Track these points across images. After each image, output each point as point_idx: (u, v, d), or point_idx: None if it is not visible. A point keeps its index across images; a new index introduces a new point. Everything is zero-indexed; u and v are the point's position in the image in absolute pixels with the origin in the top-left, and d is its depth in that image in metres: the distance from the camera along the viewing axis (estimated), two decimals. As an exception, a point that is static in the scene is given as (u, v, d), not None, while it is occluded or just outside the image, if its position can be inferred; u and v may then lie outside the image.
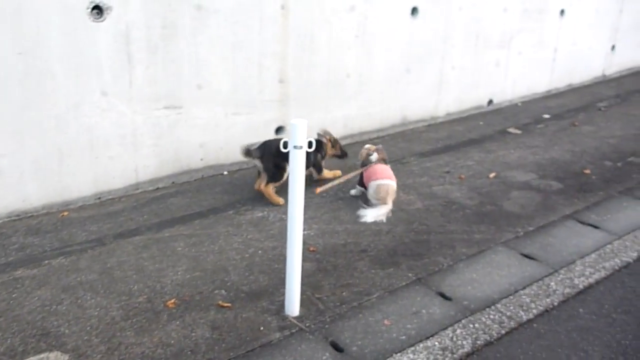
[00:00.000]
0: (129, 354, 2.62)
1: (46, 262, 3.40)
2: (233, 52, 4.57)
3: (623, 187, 4.61)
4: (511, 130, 6.24)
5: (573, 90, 8.12)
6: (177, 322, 2.85)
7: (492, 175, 4.86)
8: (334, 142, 4.61)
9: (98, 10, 3.85)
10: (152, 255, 3.48)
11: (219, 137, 4.75)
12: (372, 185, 4.08)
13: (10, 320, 2.84)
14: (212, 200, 4.30)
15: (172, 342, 2.70)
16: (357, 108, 5.63)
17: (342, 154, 4.70)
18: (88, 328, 2.79)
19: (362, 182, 4.26)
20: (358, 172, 4.29)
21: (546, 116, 6.79)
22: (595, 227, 3.93)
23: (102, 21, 3.88)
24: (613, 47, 8.66)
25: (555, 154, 5.44)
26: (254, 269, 3.34)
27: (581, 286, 3.24)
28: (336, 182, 4.17)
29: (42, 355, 2.61)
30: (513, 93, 7.32)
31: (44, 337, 2.72)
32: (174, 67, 4.30)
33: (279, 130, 5.07)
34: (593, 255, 3.53)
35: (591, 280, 3.29)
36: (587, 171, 4.95)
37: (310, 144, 2.66)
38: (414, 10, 5.73)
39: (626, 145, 5.69)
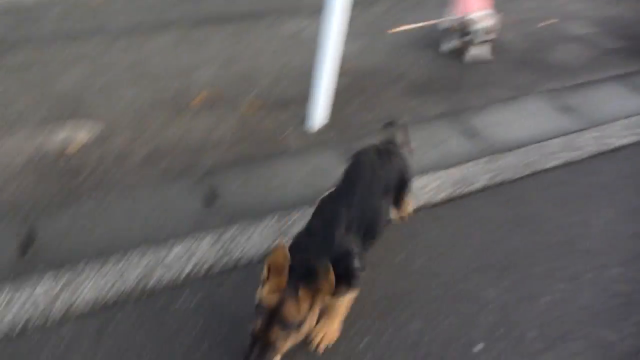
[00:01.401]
0: (156, 135, 2.72)
1: (83, 39, 3.40)
2: None
3: (686, 55, 4.29)
4: (581, -22, 5.68)
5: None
6: (204, 117, 2.90)
7: (548, 22, 4.53)
8: None
9: None
10: (187, 50, 3.44)
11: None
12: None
13: (46, 93, 2.92)
14: (250, 5, 4.13)
15: (198, 134, 2.78)
16: None
17: None
18: (119, 108, 2.87)
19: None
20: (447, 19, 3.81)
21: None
22: (643, 92, 3.73)
23: None
24: None
25: (623, 10, 4.99)
26: (285, 79, 3.31)
27: (612, 146, 3.17)
28: (416, 25, 3.87)
29: (80, 121, 2.73)
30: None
31: (82, 108, 2.82)
32: None
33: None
34: (633, 119, 3.40)
35: (624, 141, 3.21)
36: (652, 34, 4.58)
37: None
38: None
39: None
